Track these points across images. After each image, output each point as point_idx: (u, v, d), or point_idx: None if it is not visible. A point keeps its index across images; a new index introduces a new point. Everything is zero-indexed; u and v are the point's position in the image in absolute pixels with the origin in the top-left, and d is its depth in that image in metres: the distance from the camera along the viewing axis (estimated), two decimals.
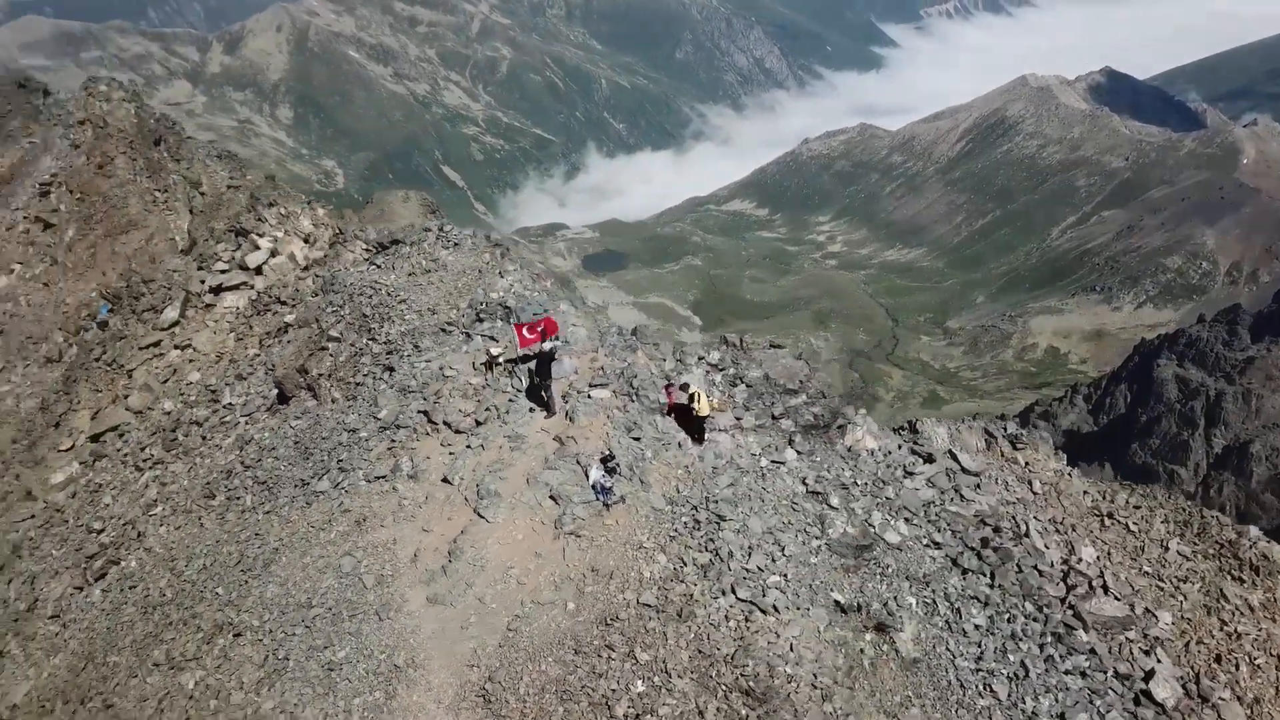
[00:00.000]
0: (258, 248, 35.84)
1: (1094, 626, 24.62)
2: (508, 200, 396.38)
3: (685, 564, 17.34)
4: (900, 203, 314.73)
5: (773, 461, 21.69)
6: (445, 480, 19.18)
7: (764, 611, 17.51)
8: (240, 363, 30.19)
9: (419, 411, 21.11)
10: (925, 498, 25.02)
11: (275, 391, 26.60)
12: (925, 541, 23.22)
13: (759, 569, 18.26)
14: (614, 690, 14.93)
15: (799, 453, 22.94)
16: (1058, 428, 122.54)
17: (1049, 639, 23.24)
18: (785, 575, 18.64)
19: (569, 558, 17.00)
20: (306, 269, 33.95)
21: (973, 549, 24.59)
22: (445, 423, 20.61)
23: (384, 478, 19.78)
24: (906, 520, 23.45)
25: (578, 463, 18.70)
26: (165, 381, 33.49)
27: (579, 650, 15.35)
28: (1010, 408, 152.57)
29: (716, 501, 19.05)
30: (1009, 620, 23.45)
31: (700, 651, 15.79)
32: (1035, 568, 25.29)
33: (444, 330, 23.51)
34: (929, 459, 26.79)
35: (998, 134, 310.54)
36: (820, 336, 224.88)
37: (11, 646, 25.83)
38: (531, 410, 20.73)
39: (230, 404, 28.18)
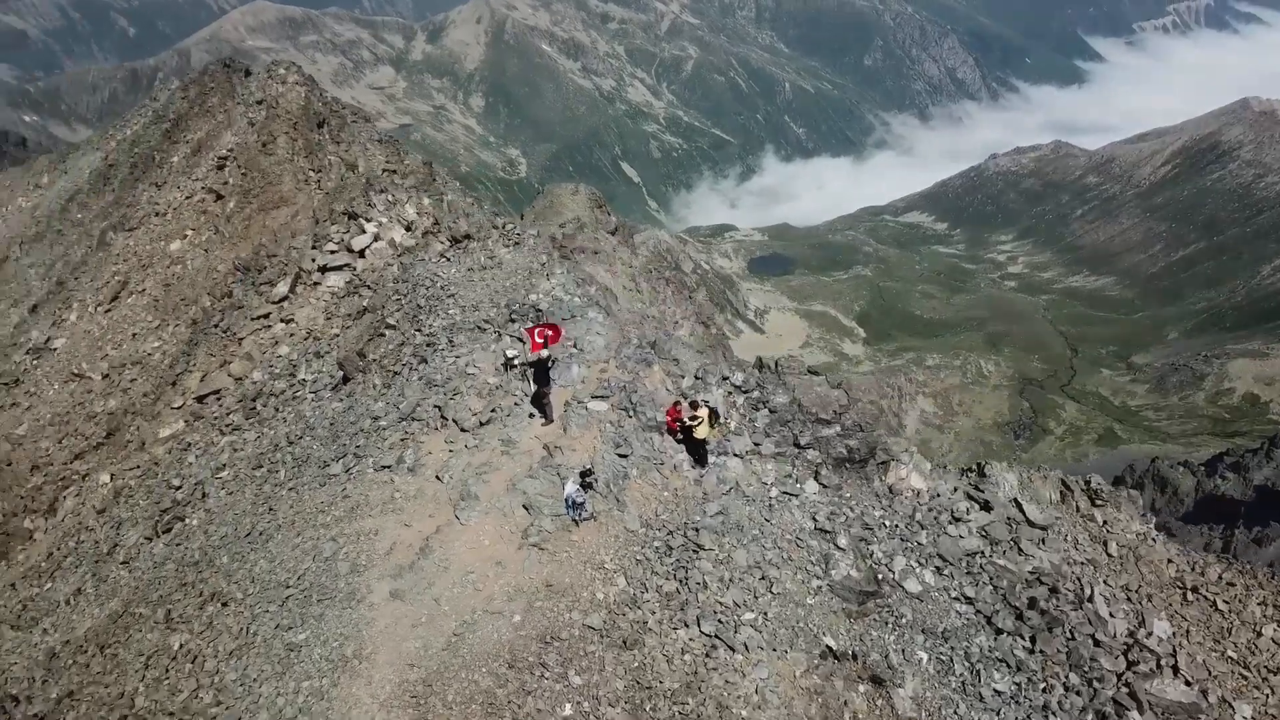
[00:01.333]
0: (364, 231, 37.33)
1: (1152, 709, 22.49)
2: (680, 198, 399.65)
3: (646, 590, 16.82)
4: (1091, 227, 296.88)
5: (784, 493, 20.76)
6: (438, 477, 19.38)
7: (731, 649, 16.77)
8: (321, 340, 31.53)
9: (434, 406, 21.44)
10: (969, 547, 23.43)
11: (340, 372, 27.67)
12: (954, 594, 21.74)
13: (734, 604, 17.51)
14: (540, 710, 14.64)
15: (824, 486, 21.84)
16: (1249, 481, 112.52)
17: (1090, 717, 21.36)
18: (766, 613, 17.79)
19: (527, 570, 16.82)
20: (399, 256, 35.14)
21: (1014, 607, 22.87)
22: (454, 420, 20.83)
23: (389, 468, 20.19)
24: (937, 570, 22.00)
25: (558, 474, 18.48)
26: (265, 352, 35.45)
27: (513, 665, 15.14)
28: (1195, 454, 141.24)
29: (697, 529, 18.37)
30: (1043, 690, 21.73)
31: (638, 682, 15.26)
32: (1092, 637, 23.32)
33: (479, 328, 23.78)
34: (986, 506, 25.08)
35: (1210, 160, 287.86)
36: (990, 360, 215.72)
37: (88, 585, 27.99)
38: (531, 416, 20.68)
39: (303, 379, 29.49)
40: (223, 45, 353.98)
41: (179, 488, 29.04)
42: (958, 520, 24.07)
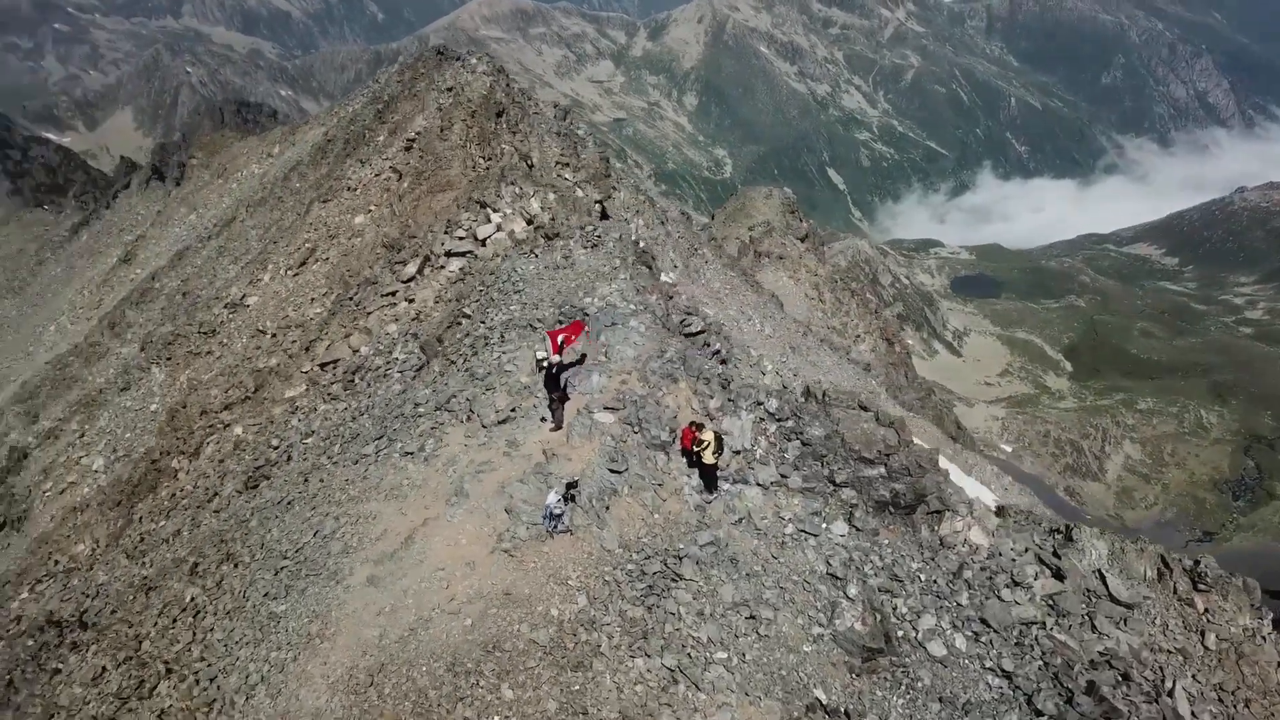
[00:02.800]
0: (489, 221, 38.41)
1: None
2: (886, 209, 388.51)
3: (608, 613, 16.25)
4: None
5: (801, 531, 19.57)
6: (445, 471, 19.55)
7: (696, 687, 15.98)
8: (422, 323, 32.64)
9: (466, 399, 21.65)
10: (1024, 615, 21.43)
11: (424, 355, 28.55)
12: (989, 664, 19.91)
13: (708, 640, 16.67)
14: (466, 718, 14.48)
15: (857, 529, 20.45)
16: None
17: None
18: (744, 655, 16.84)
19: (493, 574, 16.65)
20: (515, 248, 35.90)
21: (1065, 689, 20.70)
22: (478, 415, 20.97)
23: (411, 455, 20.58)
24: (973, 636, 20.20)
25: (546, 482, 18.18)
26: (380, 329, 37.17)
27: (452, 668, 15.04)
28: None
29: (680, 558, 17.59)
30: None
31: (573, 706, 14.79)
32: None
33: (531, 326, 23.82)
34: (1058, 574, 22.85)
35: None
36: (1213, 410, 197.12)
37: (185, 527, 30.31)
38: (543, 420, 20.49)
39: (396, 359, 30.65)
40: (459, 34, 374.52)
41: (276, 448, 30.86)
42: (1017, 585, 22.03)
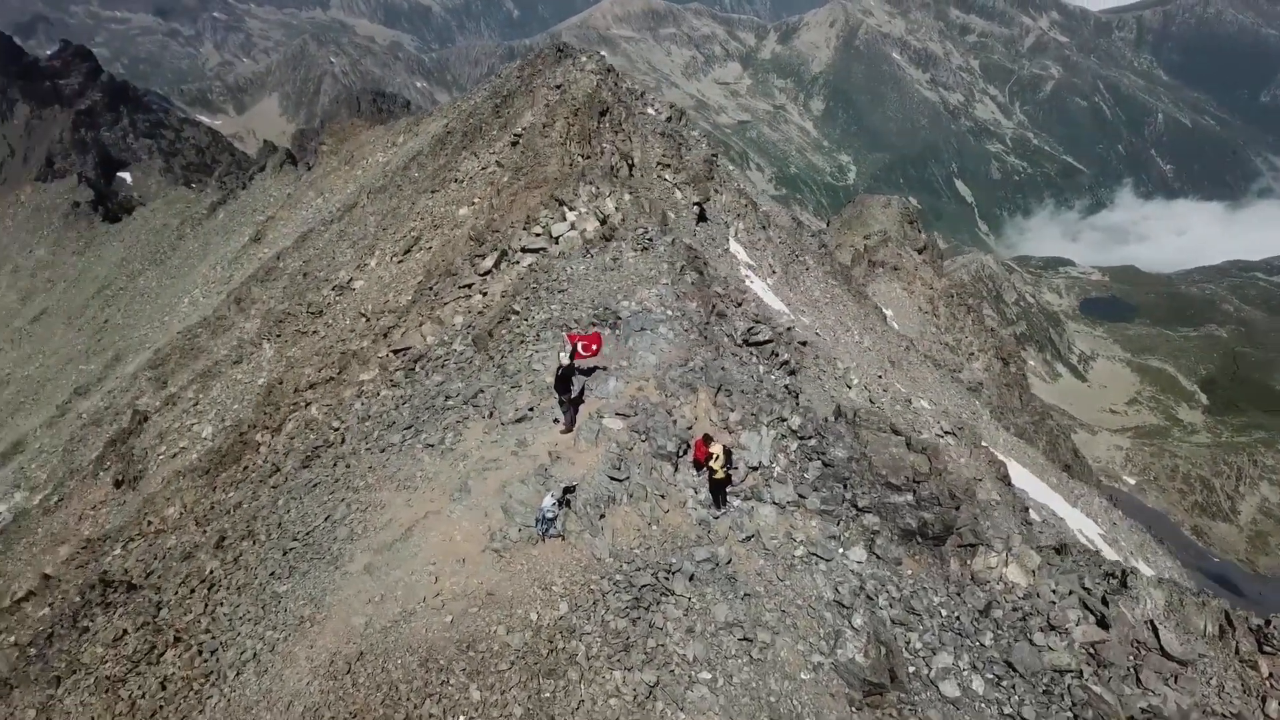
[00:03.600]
0: (564, 219, 38.60)
1: None
2: (1014, 224, 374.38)
3: (589, 621, 15.94)
4: None
5: (811, 554, 18.83)
6: (456, 465, 19.60)
7: (679, 707, 15.55)
8: (484, 315, 32.97)
9: (491, 395, 21.68)
10: (1056, 663, 20.26)
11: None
12: (1009, 711, 18.87)
13: (694, 659, 16.20)
14: (433, 715, 14.46)
15: (877, 557, 19.57)
16: None
17: None
18: (731, 676, 16.30)
19: (480, 574, 16.56)
20: (585, 246, 35.95)
21: None
22: (498, 411, 20.97)
23: (431, 447, 20.74)
24: (993, 679, 19.16)
25: (545, 485, 17.98)
26: (451, 319, 37.76)
27: (425, 664, 15.03)
28: None
29: (671, 573, 17.11)
30: None
31: (536, 713, 14.58)
32: None
33: (568, 327, 23.71)
34: (1103, 622, 21.51)
35: None
36: None
37: (247, 500, 31.35)
38: (556, 421, 20.29)
39: (454, 350, 31.03)
40: (590, 32, 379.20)
41: (336, 429, 31.68)
42: (1053, 629, 20.81)
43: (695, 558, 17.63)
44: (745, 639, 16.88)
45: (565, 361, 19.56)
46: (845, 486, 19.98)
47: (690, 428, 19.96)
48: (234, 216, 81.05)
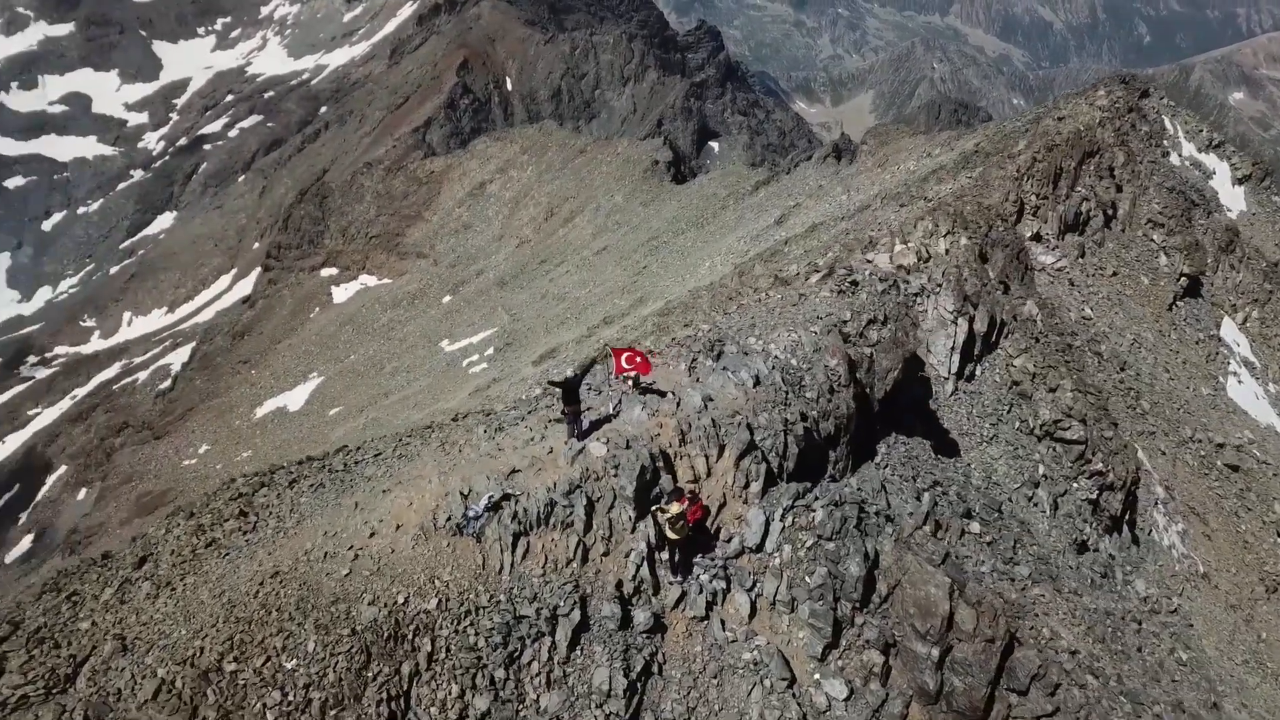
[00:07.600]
0: (892, 248, 35.95)
1: None
2: None
3: (450, 627, 15.24)
4: None
5: (761, 664, 15.44)
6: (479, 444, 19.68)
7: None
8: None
9: (560, 398, 20.89)
10: None
11: None
12: None
13: (544, 709, 14.83)
14: (274, 648, 14.57)
15: (869, 706, 15.35)
16: None
17: None
18: None
19: (399, 544, 16.31)
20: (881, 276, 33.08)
21: None
22: (545, 410, 20.69)
23: (486, 431, 20.76)
24: None
25: (499, 484, 17.06)
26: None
27: (300, 603, 15.11)
28: None
29: (557, 615, 15.49)
30: None
31: (352, 684, 14.31)
32: None
33: (686, 347, 22.09)
34: None
35: None
36: None
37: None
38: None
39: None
40: (1232, 68, 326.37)
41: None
42: None
43: (601, 611, 15.91)
44: (609, 716, 14.84)
45: (576, 375, 18.86)
46: (857, 610, 16.08)
47: (695, 481, 17.64)
48: (770, 198, 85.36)
